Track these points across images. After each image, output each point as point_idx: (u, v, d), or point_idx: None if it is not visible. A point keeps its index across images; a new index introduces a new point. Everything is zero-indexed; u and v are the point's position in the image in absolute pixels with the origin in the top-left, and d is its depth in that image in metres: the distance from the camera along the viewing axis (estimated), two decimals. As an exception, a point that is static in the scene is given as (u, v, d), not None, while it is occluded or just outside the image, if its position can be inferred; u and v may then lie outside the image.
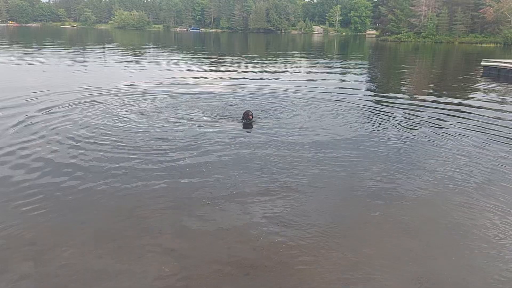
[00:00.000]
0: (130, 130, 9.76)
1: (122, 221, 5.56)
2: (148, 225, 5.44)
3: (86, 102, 12.99)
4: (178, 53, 39.95)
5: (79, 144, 8.61)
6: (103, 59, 30.94)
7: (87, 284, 4.25)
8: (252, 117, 10.48)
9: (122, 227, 5.40)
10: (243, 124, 10.41)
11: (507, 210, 6.15)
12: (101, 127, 9.97)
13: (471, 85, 21.37)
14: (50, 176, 6.89)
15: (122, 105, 12.65)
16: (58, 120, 10.50)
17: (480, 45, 71.58)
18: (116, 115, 11.21)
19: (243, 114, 10.65)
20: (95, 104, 12.61)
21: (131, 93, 14.81)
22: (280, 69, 26.22)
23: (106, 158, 7.80)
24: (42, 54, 34.37)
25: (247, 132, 10.00)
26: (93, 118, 10.79)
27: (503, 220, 5.82)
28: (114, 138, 9.04)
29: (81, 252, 4.78)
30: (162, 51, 42.31)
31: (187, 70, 24.45)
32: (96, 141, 8.80)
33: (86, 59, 30.43)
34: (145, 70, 23.57)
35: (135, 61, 30.62)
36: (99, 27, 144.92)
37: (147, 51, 42.59)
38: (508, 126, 11.63)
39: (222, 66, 27.59)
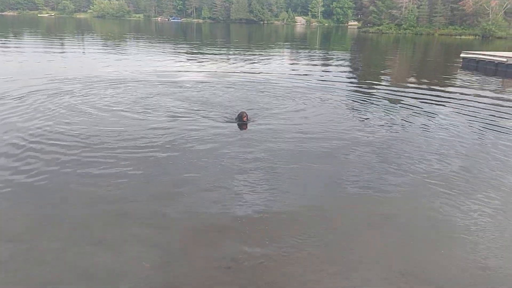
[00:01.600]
0: (104, 123, 9.55)
1: (101, 216, 5.43)
2: (128, 220, 5.32)
3: (57, 90, 12.68)
4: (159, 43, 39.32)
5: (48, 135, 8.38)
6: (81, 49, 30.18)
7: (66, 282, 4.13)
8: (247, 119, 9.83)
9: (102, 222, 5.27)
10: (237, 125, 9.78)
11: (487, 199, 6.24)
12: (70, 117, 9.75)
13: (451, 76, 21.68)
14: (21, 171, 6.69)
15: (96, 95, 12.38)
16: (26, 108, 10.23)
17: (459, 37, 72.61)
18: (90, 106, 10.96)
19: (238, 115, 9.99)
20: (67, 93, 12.31)
21: (106, 82, 14.49)
22: (264, 60, 26.04)
23: (78, 151, 7.62)
24: (17, 43, 33.31)
25: (232, 125, 9.89)
26: (68, 106, 10.54)
27: (483, 210, 5.90)
28: (87, 129, 8.84)
29: (60, 249, 4.65)
30: (143, 41, 41.55)
31: (169, 60, 24.04)
32: (68, 132, 8.59)
33: (64, 49, 29.65)
34: (124, 60, 23.05)
35: (115, 51, 30.00)
36: (77, 16, 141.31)
37: (127, 41, 41.79)
38: (487, 113, 11.86)
39: (204, 56, 27.26)
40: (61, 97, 11.87)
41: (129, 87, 13.89)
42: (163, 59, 24.07)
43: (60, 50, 28.31)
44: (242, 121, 9.79)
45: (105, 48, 32.52)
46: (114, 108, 10.87)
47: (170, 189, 6.23)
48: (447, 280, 4.35)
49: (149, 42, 40.29)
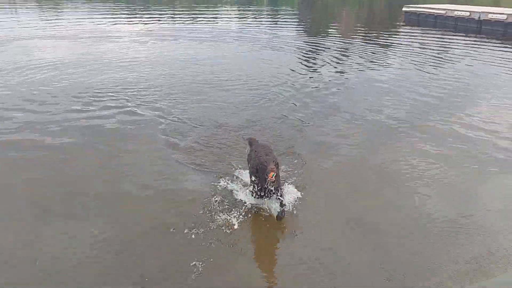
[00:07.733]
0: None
1: (54, 189, 5.34)
2: (78, 191, 5.27)
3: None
4: (97, 3, 36.86)
5: None
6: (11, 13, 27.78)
7: (21, 255, 4.08)
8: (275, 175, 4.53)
9: (54, 195, 5.19)
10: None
11: (429, 147, 6.63)
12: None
13: (394, 30, 22.60)
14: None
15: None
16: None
17: (402, -10, 73.98)
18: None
19: (259, 166, 4.73)
20: None
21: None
22: (212, 20, 25.47)
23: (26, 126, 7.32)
24: None
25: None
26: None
27: (425, 158, 6.26)
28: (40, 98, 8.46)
29: (9, 225, 4.57)
30: (81, 3, 38.65)
31: (108, 23, 22.65)
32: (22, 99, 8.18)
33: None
34: (58, 25, 21.48)
35: (49, 16, 27.83)
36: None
37: (63, 5, 38.80)
38: (428, 64, 12.60)
39: (147, 18, 25.83)
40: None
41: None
42: (104, 25, 22.75)
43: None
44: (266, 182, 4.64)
45: (42, 14, 30.15)
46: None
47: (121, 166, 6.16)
48: (390, 225, 4.67)
49: (88, 4, 37.62)
